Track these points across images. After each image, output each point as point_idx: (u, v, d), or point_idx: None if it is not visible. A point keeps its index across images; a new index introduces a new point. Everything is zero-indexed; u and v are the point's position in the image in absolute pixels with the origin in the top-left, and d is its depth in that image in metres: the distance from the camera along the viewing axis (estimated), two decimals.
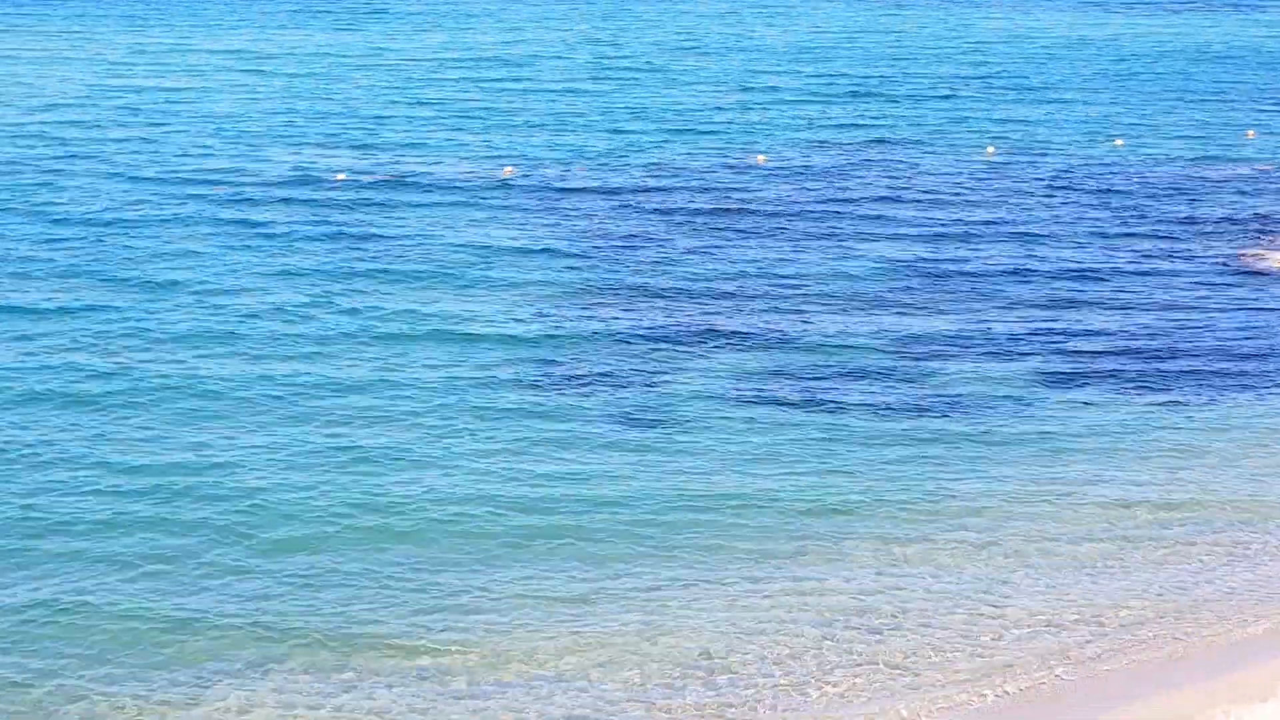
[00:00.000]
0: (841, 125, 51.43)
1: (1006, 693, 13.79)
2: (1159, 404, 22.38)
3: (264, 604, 15.27)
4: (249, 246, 30.40)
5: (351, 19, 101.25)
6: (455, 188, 37.59)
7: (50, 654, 14.38)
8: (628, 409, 21.30)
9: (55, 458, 19.02)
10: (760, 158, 43.15)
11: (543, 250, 30.83)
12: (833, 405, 21.61)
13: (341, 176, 37.69)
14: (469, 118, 50.65)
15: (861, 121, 51.84)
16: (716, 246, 31.82)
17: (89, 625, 14.90)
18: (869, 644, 14.65)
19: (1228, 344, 25.96)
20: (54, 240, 30.57)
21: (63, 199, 34.95)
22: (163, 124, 47.98)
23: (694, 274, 29.22)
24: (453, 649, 14.35)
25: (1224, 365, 24.64)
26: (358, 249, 30.51)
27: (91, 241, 30.46)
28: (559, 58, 75.34)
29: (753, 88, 61.51)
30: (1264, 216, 37.25)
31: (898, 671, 14.18)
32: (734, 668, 14.17)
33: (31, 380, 21.90)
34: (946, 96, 59.90)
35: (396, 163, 40.67)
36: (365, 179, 37.88)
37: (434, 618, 15.03)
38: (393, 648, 14.39)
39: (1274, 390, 23.36)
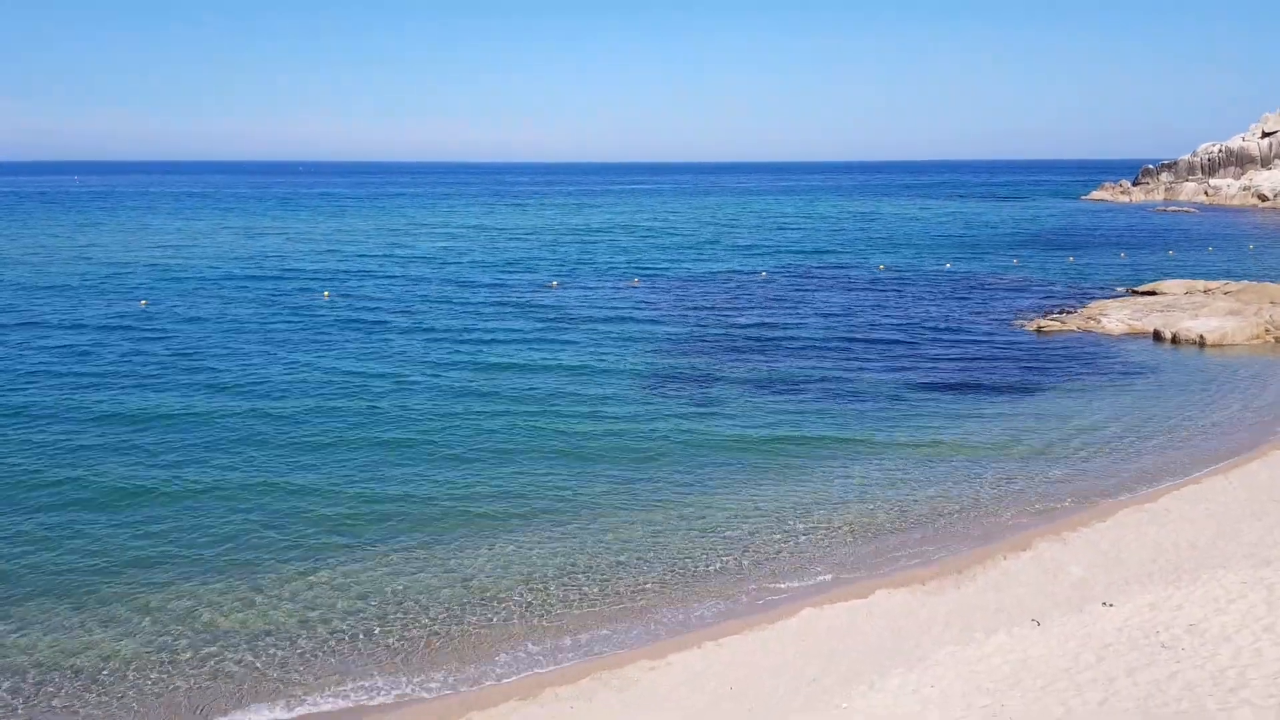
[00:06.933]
0: (797, 254, 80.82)
1: None
2: (970, 400, 36.14)
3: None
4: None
5: (545, 206, 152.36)
6: (604, 287, 62.27)
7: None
8: (690, 396, 37.12)
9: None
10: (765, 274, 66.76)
11: (649, 318, 52.66)
12: (792, 390, 38.18)
13: (555, 284, 64.54)
14: (608, 252, 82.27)
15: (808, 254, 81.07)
16: (729, 317, 52.51)
17: None
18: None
19: (1001, 374, 39.85)
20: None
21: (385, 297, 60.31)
22: (428, 267, 77.27)
23: (724, 332, 49.51)
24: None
25: (1001, 385, 38.34)
26: (557, 312, 54.31)
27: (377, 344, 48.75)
28: (627, 227, 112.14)
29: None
30: (1027, 304, 56.59)
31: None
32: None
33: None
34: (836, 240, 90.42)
35: (580, 278, 68.07)
36: (566, 285, 64.07)
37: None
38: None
39: (1025, 398, 37.28)
